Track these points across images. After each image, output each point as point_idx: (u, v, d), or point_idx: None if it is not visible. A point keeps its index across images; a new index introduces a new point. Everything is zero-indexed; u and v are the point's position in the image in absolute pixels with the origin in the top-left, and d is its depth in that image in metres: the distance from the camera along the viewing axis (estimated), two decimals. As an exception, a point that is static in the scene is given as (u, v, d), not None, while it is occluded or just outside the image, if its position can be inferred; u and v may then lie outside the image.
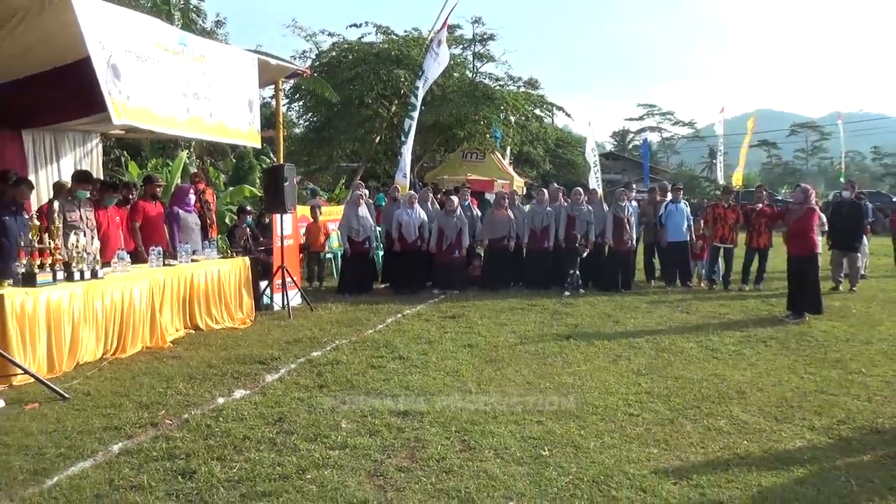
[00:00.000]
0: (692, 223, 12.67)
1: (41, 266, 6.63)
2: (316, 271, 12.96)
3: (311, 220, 12.91)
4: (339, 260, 12.97)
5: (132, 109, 6.94)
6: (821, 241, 9.92)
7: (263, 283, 10.33)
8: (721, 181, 26.74)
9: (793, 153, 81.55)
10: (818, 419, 5.40)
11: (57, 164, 10.59)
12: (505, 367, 6.91)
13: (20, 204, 7.48)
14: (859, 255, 12.55)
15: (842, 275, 12.34)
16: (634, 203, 13.48)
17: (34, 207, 8.58)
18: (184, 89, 7.83)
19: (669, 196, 13.19)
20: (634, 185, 28.50)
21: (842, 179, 25.06)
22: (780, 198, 30.76)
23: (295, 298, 10.37)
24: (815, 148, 78.92)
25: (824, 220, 11.55)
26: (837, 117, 41.22)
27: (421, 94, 15.20)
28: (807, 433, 5.11)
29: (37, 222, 6.85)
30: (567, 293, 11.62)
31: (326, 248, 13.25)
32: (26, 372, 5.96)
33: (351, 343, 7.96)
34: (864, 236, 13.01)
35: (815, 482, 4.24)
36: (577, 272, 11.84)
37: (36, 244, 6.67)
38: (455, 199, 12.27)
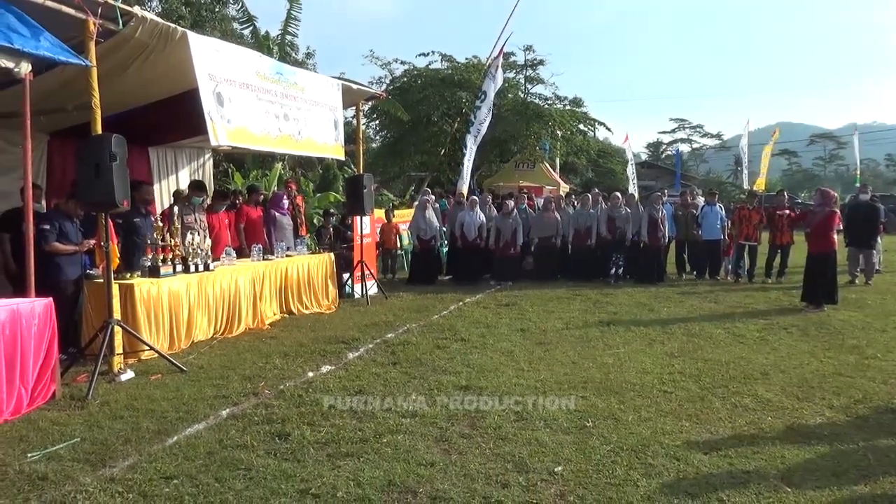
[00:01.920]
0: (725, 223, 12.36)
1: (163, 260, 6.84)
2: (389, 265, 13.08)
3: (386, 221, 13.02)
4: (410, 256, 13.05)
5: (232, 131, 7.09)
6: (837, 239, 9.49)
7: (346, 275, 10.45)
8: (746, 186, 25.86)
9: (812, 161, 78.24)
10: (837, 399, 5.17)
11: (176, 176, 10.93)
12: (553, 349, 6.82)
13: (147, 207, 7.71)
14: (874, 251, 12.04)
15: (858, 269, 11.84)
16: (670, 205, 13.16)
17: (158, 211, 8.85)
18: (276, 112, 7.98)
19: (701, 199, 12.95)
20: (667, 191, 27.83)
21: (857, 184, 23.95)
22: (799, 200, 29.62)
23: (372, 288, 10.45)
24: (832, 156, 75.38)
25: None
26: (853, 128, 39.41)
27: (487, 115, 15.10)
28: (826, 411, 4.90)
29: (160, 224, 7.08)
30: (612, 279, 11.80)
31: (398, 245, 13.34)
32: (151, 348, 6.17)
33: (420, 327, 7.99)
34: (879, 235, 12.48)
35: (834, 456, 4.07)
36: (621, 257, 11.95)
37: (159, 242, 6.89)
38: (511, 202, 12.22)
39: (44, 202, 7.63)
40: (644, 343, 7.12)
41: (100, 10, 5.34)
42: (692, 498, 3.50)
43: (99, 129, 5.60)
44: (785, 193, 12.94)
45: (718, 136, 69.96)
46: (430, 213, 12.08)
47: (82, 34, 5.37)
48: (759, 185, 23.01)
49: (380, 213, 13.08)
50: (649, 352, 6.72)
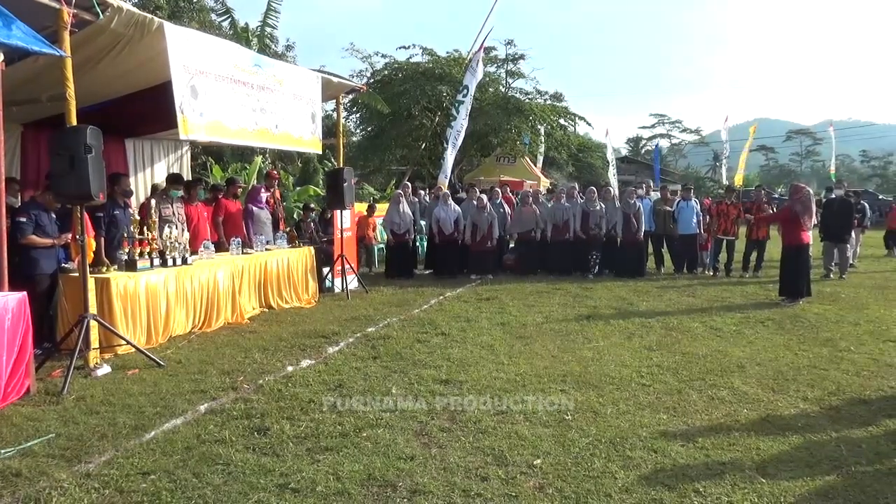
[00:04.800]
0: (701, 219, 12.48)
1: (141, 254, 6.77)
2: (364, 259, 13.03)
3: (365, 215, 12.94)
4: (386, 249, 13.03)
5: (204, 125, 7.00)
6: (811, 234, 9.62)
7: (326, 269, 10.41)
8: (724, 182, 26.15)
9: (788, 157, 79.46)
10: (811, 391, 5.26)
11: (153, 168, 10.79)
12: (533, 343, 6.86)
13: (127, 199, 7.61)
14: (848, 246, 12.25)
15: (832, 264, 12.04)
16: (647, 200, 13.24)
17: (134, 205, 8.74)
18: (253, 105, 7.90)
19: (655, 193, 13.16)
20: (649, 186, 28.03)
21: (832, 179, 24.31)
22: (776, 196, 30.05)
23: (352, 282, 10.43)
24: (808, 152, 76.58)
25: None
26: (829, 125, 39.98)
27: (467, 107, 15.14)
28: (800, 403, 4.98)
29: (137, 217, 7.00)
30: (591, 275, 11.79)
31: (374, 240, 13.29)
32: (128, 343, 6.11)
33: (400, 321, 7.99)
34: (853, 230, 12.69)
35: (808, 446, 4.14)
36: (598, 255, 11.96)
37: (136, 235, 6.81)
38: (484, 196, 12.22)
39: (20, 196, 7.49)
40: (623, 337, 7.18)
41: (74, 0, 5.26)
42: (669, 489, 3.55)
43: (73, 121, 5.51)
44: (762, 189, 13.11)
45: (697, 131, 70.63)
46: (405, 207, 12.02)
47: (56, 23, 5.27)
48: (737, 180, 23.27)
49: (360, 207, 13.04)
50: (628, 345, 6.78)
